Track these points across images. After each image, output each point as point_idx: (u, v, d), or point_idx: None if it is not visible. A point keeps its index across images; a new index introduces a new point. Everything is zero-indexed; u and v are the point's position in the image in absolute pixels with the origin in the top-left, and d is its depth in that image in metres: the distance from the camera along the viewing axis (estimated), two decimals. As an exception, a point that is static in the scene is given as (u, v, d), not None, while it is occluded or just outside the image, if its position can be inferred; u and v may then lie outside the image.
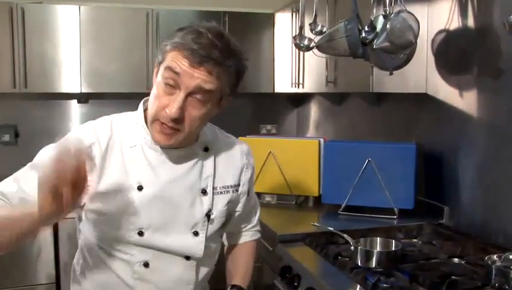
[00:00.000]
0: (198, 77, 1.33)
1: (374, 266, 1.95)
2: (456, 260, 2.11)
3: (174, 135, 1.39)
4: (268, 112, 4.80)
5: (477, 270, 1.92)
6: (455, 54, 2.53)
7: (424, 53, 2.67)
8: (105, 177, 1.42)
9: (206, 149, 1.55)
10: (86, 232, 1.52)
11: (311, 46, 2.56)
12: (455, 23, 2.51)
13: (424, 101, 2.75)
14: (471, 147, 2.43)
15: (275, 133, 4.75)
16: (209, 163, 1.54)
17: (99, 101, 4.34)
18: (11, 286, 3.64)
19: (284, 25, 3.98)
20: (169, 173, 1.47)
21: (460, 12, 2.47)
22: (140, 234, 1.44)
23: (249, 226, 1.78)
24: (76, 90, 3.95)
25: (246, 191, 1.65)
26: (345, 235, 2.16)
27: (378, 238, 2.13)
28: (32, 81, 3.82)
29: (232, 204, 1.61)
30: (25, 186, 1.37)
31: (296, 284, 2.12)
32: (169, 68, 1.34)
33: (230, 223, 1.68)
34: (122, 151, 1.45)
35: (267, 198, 3.15)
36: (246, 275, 1.73)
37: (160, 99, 1.37)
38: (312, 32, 2.53)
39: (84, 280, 1.55)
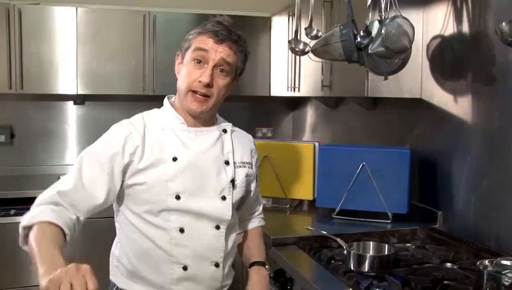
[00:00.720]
0: (221, 51, 1.67)
1: (366, 270, 1.95)
2: (448, 264, 2.12)
3: (206, 102, 1.69)
4: (265, 115, 4.81)
5: (469, 275, 1.93)
6: (450, 59, 2.54)
7: (419, 58, 2.68)
8: (146, 156, 1.67)
9: (224, 131, 1.83)
10: (126, 208, 1.72)
11: (306, 50, 2.56)
12: (450, 29, 2.52)
13: (419, 106, 2.76)
14: (466, 152, 2.44)
15: (271, 137, 4.75)
16: (228, 141, 1.82)
17: (95, 102, 4.34)
18: (4, 287, 3.63)
19: (281, 28, 3.99)
20: (198, 146, 1.73)
21: (456, 18, 2.49)
22: (178, 197, 1.66)
23: (256, 213, 2.04)
24: (73, 92, 3.95)
25: (255, 175, 1.92)
26: (338, 239, 2.16)
27: (371, 242, 2.14)
28: (28, 82, 3.81)
29: (249, 179, 1.85)
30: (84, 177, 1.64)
31: (289, 287, 2.13)
32: (198, 48, 1.68)
33: (245, 205, 1.92)
34: (156, 133, 1.72)
35: (263, 201, 3.15)
36: (263, 253, 1.96)
37: (191, 74, 1.69)
38: (307, 36, 2.54)
39: (123, 256, 1.74)
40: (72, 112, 4.35)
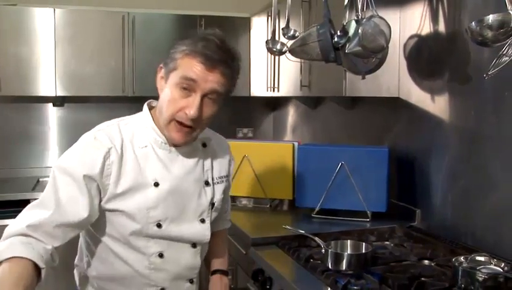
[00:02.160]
0: (212, 80, 1.50)
1: (344, 268, 1.96)
2: (426, 261, 2.14)
3: (191, 133, 1.56)
4: (245, 115, 4.81)
5: (446, 271, 1.95)
6: (427, 58, 2.57)
7: (396, 58, 2.70)
8: (123, 178, 1.54)
9: (204, 145, 1.73)
10: (101, 230, 1.60)
11: (283, 50, 2.57)
12: (426, 29, 2.54)
13: (396, 105, 2.78)
14: (443, 150, 2.46)
15: (252, 137, 4.76)
16: (207, 157, 1.73)
17: (75, 104, 4.31)
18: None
19: (260, 29, 3.99)
20: (180, 168, 1.63)
21: (432, 18, 2.51)
22: (159, 226, 1.58)
23: (225, 214, 1.97)
24: (52, 94, 3.93)
25: (230, 181, 1.88)
26: (316, 238, 2.17)
27: (349, 241, 2.14)
28: (6, 84, 3.78)
29: (225, 193, 1.81)
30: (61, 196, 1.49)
31: (268, 287, 2.13)
32: (185, 76, 1.49)
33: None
34: (135, 152, 1.58)
35: (244, 201, 3.16)
36: (225, 260, 1.96)
37: (177, 102, 1.51)
38: (284, 36, 2.54)
39: (94, 275, 1.66)
40: (51, 113, 4.33)
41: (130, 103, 4.16)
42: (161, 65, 1.59)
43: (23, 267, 1.34)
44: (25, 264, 1.34)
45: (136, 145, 1.59)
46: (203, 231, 1.69)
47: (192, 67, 1.49)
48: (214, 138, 1.80)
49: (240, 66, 1.59)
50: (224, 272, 1.92)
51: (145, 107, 1.66)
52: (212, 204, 1.71)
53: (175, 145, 1.62)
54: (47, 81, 3.89)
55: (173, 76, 1.52)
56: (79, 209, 1.49)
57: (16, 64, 3.81)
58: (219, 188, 1.76)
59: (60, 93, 3.94)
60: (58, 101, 4.27)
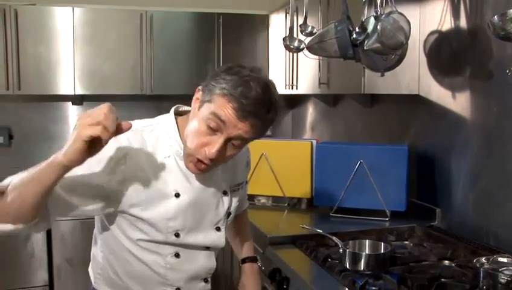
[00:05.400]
0: (240, 128, 1.43)
1: (362, 268, 1.93)
2: (446, 262, 2.10)
3: (206, 168, 1.51)
4: (264, 113, 4.77)
5: (467, 272, 1.91)
6: (447, 55, 2.52)
7: (416, 54, 2.66)
8: (144, 186, 1.53)
9: None
10: (118, 228, 1.60)
11: (301, 47, 2.54)
12: (447, 24, 2.50)
13: (416, 102, 2.74)
14: (464, 148, 2.42)
15: (270, 135, 4.73)
16: (226, 167, 1.68)
17: (94, 102, 4.30)
18: (3, 289, 3.63)
19: (279, 26, 3.97)
20: (200, 180, 1.60)
21: (453, 13, 2.46)
22: (177, 235, 1.59)
23: (243, 202, 1.99)
24: (71, 92, 3.95)
25: (245, 181, 1.90)
26: (334, 238, 2.14)
27: (367, 240, 2.12)
28: (25, 83, 3.81)
29: (240, 200, 1.81)
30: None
31: (285, 287, 2.12)
32: (216, 114, 1.43)
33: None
34: (158, 161, 1.55)
35: (262, 200, 3.14)
36: (251, 244, 2.03)
37: (201, 138, 1.47)
38: (302, 33, 2.52)
39: (109, 270, 1.67)
40: (70, 112, 4.35)
41: (148, 101, 4.18)
42: (200, 88, 1.52)
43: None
44: None
45: (159, 154, 1.56)
46: (218, 239, 1.69)
47: (225, 109, 1.42)
48: None
49: (276, 115, 1.50)
50: (253, 259, 1.99)
51: (172, 113, 1.62)
52: (228, 213, 1.72)
53: None
54: (66, 79, 3.91)
55: (206, 107, 1.46)
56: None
57: (35, 63, 3.84)
58: (235, 196, 1.76)
59: (79, 91, 3.96)
60: (77, 100, 4.30)
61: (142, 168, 1.52)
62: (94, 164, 1.44)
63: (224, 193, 1.69)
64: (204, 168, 1.51)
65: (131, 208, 1.53)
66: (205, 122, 1.45)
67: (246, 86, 1.42)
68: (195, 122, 1.49)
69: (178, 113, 1.63)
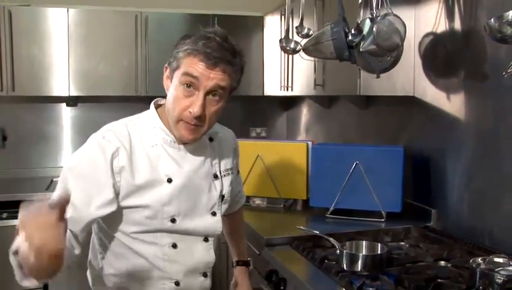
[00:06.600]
0: (214, 77, 1.51)
1: (359, 269, 1.93)
2: (442, 263, 2.11)
3: (197, 130, 1.57)
4: (259, 115, 4.79)
5: (463, 273, 1.92)
6: (442, 56, 2.53)
7: (411, 56, 2.67)
8: (136, 175, 1.57)
9: (211, 139, 1.76)
10: (114, 227, 1.62)
11: (297, 49, 2.55)
12: (442, 27, 2.51)
13: (411, 104, 2.75)
14: (459, 150, 2.43)
15: (265, 137, 4.74)
16: (214, 151, 1.77)
17: (88, 104, 4.32)
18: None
19: (274, 28, 3.97)
20: (190, 164, 1.66)
21: (447, 15, 2.48)
22: (173, 221, 1.62)
23: (239, 195, 2.08)
24: (65, 93, 3.93)
25: (237, 170, 1.94)
26: (331, 239, 2.14)
27: (364, 241, 2.12)
28: (19, 84, 3.79)
29: (232, 185, 1.84)
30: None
31: (282, 288, 2.12)
32: (187, 73, 1.51)
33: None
34: (146, 151, 1.61)
35: (257, 201, 3.14)
36: (244, 247, 2.13)
37: (181, 102, 1.54)
38: (298, 35, 2.52)
39: (109, 270, 1.67)
40: (64, 113, 4.33)
41: (143, 103, 4.14)
42: (166, 65, 1.61)
43: None
44: None
45: (146, 144, 1.62)
46: (214, 224, 1.72)
47: (194, 65, 1.51)
48: (221, 132, 1.84)
49: (244, 62, 1.61)
50: (245, 263, 2.11)
51: (152, 106, 1.69)
52: (222, 196, 1.75)
53: (184, 143, 1.65)
54: (60, 81, 3.89)
55: (177, 75, 1.55)
56: (91, 208, 1.51)
57: (29, 64, 3.82)
58: (226, 181, 1.79)
59: (73, 93, 3.94)
60: (71, 101, 4.28)
61: (131, 159, 1.58)
62: (92, 167, 1.53)
63: (215, 177, 1.74)
64: (195, 129, 1.56)
65: (126, 199, 1.56)
66: (181, 85, 1.53)
67: (206, 39, 1.52)
68: (172, 91, 1.57)
69: (158, 107, 1.70)
